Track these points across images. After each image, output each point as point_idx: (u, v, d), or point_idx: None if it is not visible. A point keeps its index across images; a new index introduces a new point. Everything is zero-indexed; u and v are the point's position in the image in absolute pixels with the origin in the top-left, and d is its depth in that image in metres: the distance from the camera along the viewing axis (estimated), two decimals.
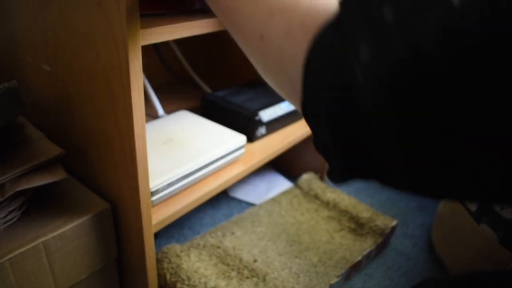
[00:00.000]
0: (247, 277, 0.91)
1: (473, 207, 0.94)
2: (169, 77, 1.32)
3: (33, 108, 0.81)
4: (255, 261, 0.95)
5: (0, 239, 0.63)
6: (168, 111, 1.08)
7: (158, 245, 1.06)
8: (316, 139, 0.40)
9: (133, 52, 0.55)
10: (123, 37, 0.54)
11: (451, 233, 1.04)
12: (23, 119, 0.76)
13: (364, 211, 1.11)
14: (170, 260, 0.91)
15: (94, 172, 0.74)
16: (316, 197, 1.18)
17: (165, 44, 1.21)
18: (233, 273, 0.92)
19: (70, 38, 0.63)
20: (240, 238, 1.02)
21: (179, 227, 1.14)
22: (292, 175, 1.39)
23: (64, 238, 0.66)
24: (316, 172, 1.31)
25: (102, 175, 0.72)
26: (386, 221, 1.08)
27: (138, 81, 0.57)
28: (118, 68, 0.57)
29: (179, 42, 1.26)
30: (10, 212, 0.65)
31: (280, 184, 1.32)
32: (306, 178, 1.24)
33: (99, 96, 0.63)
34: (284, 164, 1.41)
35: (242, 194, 1.28)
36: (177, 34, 0.62)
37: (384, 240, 1.07)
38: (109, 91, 0.60)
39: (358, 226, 1.08)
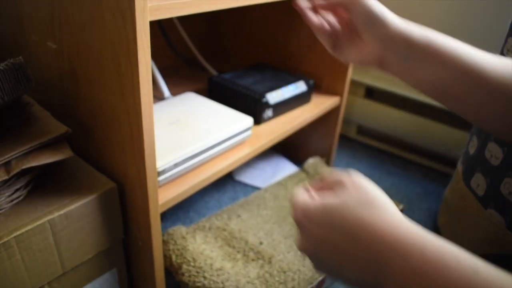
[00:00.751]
0: (252, 259, 0.91)
1: (480, 191, 0.93)
2: (174, 59, 1.31)
3: (39, 87, 0.80)
4: (261, 243, 0.95)
5: (6, 218, 0.62)
6: (174, 93, 1.07)
7: (164, 227, 1.06)
8: None
9: (141, 28, 0.54)
10: (131, 12, 0.53)
11: (457, 218, 1.03)
12: (28, 97, 0.75)
13: None
14: (176, 241, 0.91)
15: (101, 151, 0.74)
16: None
17: (171, 25, 1.20)
18: (239, 255, 0.92)
19: (76, 13, 0.62)
20: (246, 221, 1.01)
21: (185, 210, 1.14)
22: (298, 160, 1.38)
23: (70, 217, 0.66)
24: (322, 156, 1.30)
25: (108, 154, 0.72)
26: None
27: (145, 57, 0.56)
28: (125, 44, 0.56)
29: (185, 23, 1.24)
30: (16, 190, 0.65)
31: (286, 168, 1.32)
32: (312, 162, 1.23)
33: (106, 73, 0.62)
34: (290, 148, 1.40)
35: (248, 177, 1.27)
36: (185, 10, 0.61)
37: None
38: (116, 68, 0.59)
39: None
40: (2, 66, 0.59)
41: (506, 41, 0.93)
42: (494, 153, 0.89)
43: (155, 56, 1.08)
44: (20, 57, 0.62)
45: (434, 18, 1.27)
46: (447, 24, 1.26)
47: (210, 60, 1.30)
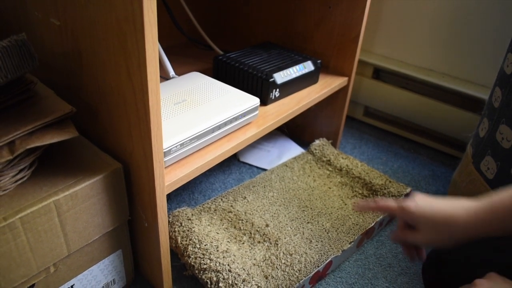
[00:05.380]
0: (258, 242, 0.90)
1: (490, 175, 0.92)
2: (179, 38, 1.29)
3: (42, 65, 0.79)
4: (267, 225, 0.94)
5: (10, 198, 0.61)
6: (179, 72, 1.05)
7: (169, 209, 1.05)
8: None
9: (148, 3, 0.52)
10: None
11: None
12: (32, 75, 0.73)
13: (377, 178, 1.09)
14: (181, 223, 0.90)
15: (106, 131, 0.72)
16: (328, 163, 1.16)
17: (176, 2, 1.17)
18: (245, 237, 0.91)
19: None
20: (252, 203, 1.00)
21: (190, 192, 1.13)
22: (304, 141, 1.36)
23: (76, 198, 0.65)
24: (328, 138, 1.29)
25: (114, 134, 0.70)
26: (399, 189, 1.06)
27: (152, 34, 0.54)
28: (132, 20, 0.54)
29: (190, 1, 1.22)
30: (20, 170, 0.64)
31: (292, 150, 1.30)
32: (319, 144, 1.22)
33: (111, 51, 0.60)
34: (296, 130, 1.39)
35: (254, 159, 1.26)
36: None
37: None
38: (122, 45, 0.58)
39: (371, 193, 1.06)
40: (5, 43, 0.57)
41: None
42: (506, 135, 0.87)
43: (159, 34, 1.06)
44: (23, 34, 0.60)
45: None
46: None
47: (215, 39, 1.28)
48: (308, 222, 0.97)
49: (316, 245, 0.91)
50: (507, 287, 0.53)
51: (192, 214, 0.94)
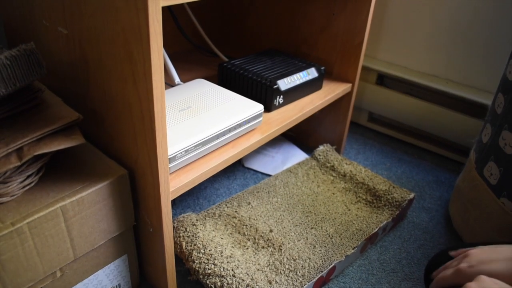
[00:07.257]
0: (262, 247, 0.91)
1: (493, 180, 0.92)
2: (184, 45, 1.30)
3: (50, 73, 0.80)
4: (271, 231, 0.95)
5: (18, 204, 0.63)
6: (184, 79, 1.06)
7: (174, 214, 1.06)
8: None
9: (154, 13, 0.53)
10: None
11: (469, 207, 1.02)
12: (40, 83, 0.75)
13: (381, 183, 1.10)
14: (186, 228, 0.91)
15: (112, 138, 0.73)
16: (332, 168, 1.17)
17: (181, 9, 1.19)
18: (249, 243, 0.92)
19: None
20: (256, 208, 1.01)
21: (195, 197, 1.14)
22: (308, 147, 1.37)
23: (82, 204, 0.66)
24: (332, 143, 1.29)
25: (119, 141, 0.72)
26: (403, 194, 1.07)
27: (158, 44, 0.55)
28: (137, 30, 0.55)
29: (195, 8, 1.23)
30: (28, 176, 0.65)
31: (296, 156, 1.31)
32: (323, 149, 1.22)
33: (117, 60, 0.62)
34: (300, 136, 1.39)
35: (258, 165, 1.27)
36: None
37: (401, 212, 1.06)
38: (128, 54, 0.59)
39: (374, 199, 1.07)
40: (14, 52, 0.59)
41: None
42: (509, 141, 0.87)
43: (165, 41, 1.07)
44: (32, 43, 0.61)
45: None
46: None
47: (220, 46, 1.29)
48: (312, 228, 0.97)
49: (320, 250, 0.91)
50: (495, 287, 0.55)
51: (197, 220, 0.94)
